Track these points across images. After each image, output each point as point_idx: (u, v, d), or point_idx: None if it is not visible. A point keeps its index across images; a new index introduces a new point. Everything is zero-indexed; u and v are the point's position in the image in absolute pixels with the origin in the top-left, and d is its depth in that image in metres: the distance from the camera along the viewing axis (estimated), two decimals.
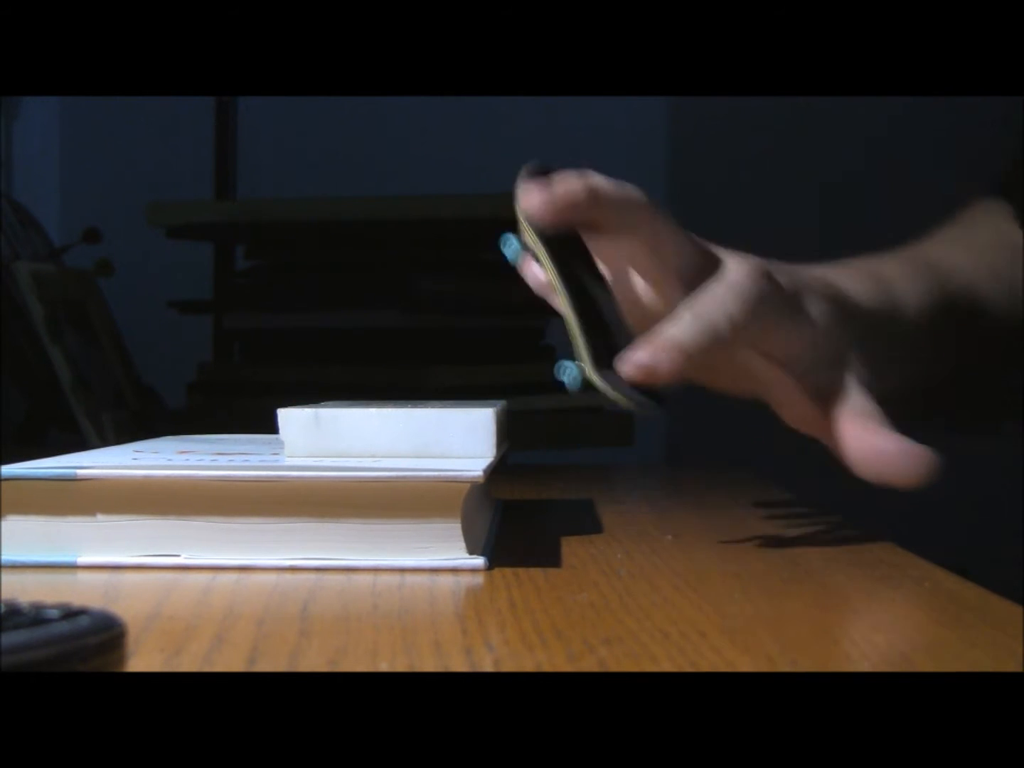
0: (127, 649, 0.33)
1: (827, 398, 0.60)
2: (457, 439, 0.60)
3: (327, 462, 0.56)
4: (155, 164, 1.63)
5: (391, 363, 1.11)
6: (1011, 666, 0.38)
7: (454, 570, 0.52)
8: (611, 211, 0.58)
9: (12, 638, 0.30)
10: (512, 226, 0.58)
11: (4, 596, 0.35)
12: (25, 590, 0.47)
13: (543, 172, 0.58)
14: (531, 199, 0.57)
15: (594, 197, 0.57)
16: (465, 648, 0.40)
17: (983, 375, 0.80)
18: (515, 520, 0.69)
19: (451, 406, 0.62)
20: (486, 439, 0.60)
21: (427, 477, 0.52)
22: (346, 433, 0.60)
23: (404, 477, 0.52)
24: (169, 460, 0.57)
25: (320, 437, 0.60)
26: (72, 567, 0.53)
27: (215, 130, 1.41)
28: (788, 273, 0.61)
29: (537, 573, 0.52)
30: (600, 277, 0.59)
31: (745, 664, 0.38)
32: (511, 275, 0.61)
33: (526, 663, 0.38)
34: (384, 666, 0.37)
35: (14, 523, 0.53)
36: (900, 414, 0.60)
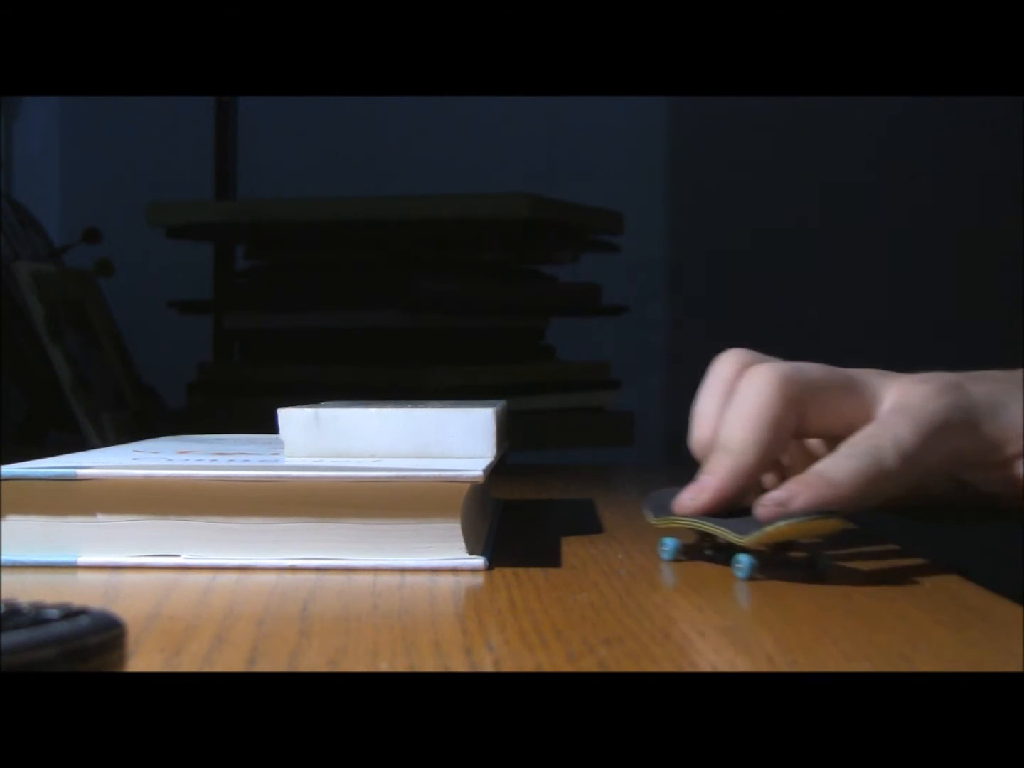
0: (127, 649, 0.33)
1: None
2: (457, 439, 0.60)
3: (327, 462, 0.56)
4: (155, 164, 1.63)
5: (391, 363, 1.11)
6: (1011, 666, 0.38)
7: (454, 570, 0.52)
8: (775, 448, 0.54)
9: (12, 638, 0.30)
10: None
11: (4, 596, 0.35)
12: (25, 590, 0.47)
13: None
14: (687, 508, 0.54)
15: (747, 473, 0.54)
16: (465, 648, 0.40)
17: None
18: (515, 520, 0.69)
19: (451, 406, 0.62)
20: (486, 439, 0.60)
21: (427, 477, 0.52)
22: (346, 433, 0.60)
23: (404, 477, 0.52)
24: (169, 460, 0.57)
25: (320, 437, 0.60)
26: (72, 567, 0.53)
27: (215, 130, 1.41)
28: (986, 379, 0.57)
29: (537, 573, 0.52)
30: None
31: (745, 664, 0.38)
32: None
33: (526, 663, 0.38)
34: (384, 666, 0.37)
35: (14, 523, 0.53)
36: None
